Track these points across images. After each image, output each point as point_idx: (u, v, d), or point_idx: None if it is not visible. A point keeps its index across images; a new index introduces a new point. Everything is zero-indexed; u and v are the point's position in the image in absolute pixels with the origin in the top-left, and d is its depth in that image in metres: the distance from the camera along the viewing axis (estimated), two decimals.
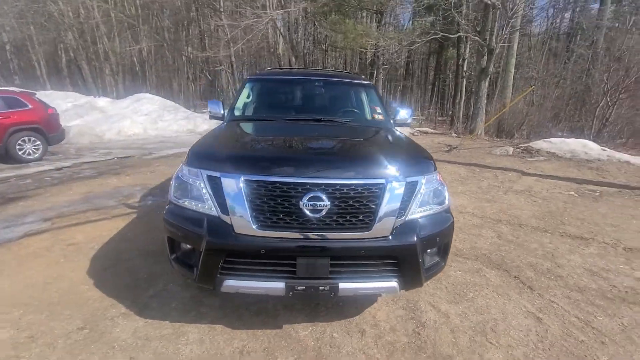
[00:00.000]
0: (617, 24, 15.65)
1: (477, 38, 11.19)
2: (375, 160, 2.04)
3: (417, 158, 2.19)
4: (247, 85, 3.41)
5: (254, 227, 1.83)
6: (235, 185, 1.87)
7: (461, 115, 14.77)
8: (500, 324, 2.27)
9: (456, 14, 11.41)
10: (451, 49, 16.95)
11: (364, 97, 3.42)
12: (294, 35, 16.42)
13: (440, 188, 2.13)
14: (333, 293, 1.88)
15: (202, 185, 1.97)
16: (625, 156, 8.45)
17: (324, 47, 22.14)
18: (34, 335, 2.03)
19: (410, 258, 1.91)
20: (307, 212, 1.82)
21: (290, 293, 1.87)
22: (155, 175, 5.85)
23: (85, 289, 2.50)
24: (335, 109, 3.29)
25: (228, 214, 1.87)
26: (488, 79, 11.58)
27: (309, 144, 2.36)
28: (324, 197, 1.82)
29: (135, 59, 22.01)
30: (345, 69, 23.91)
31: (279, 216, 1.84)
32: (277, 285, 1.86)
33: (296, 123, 2.90)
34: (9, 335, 2.03)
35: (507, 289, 2.70)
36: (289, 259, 1.86)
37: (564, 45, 18.32)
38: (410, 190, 1.97)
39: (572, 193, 5.76)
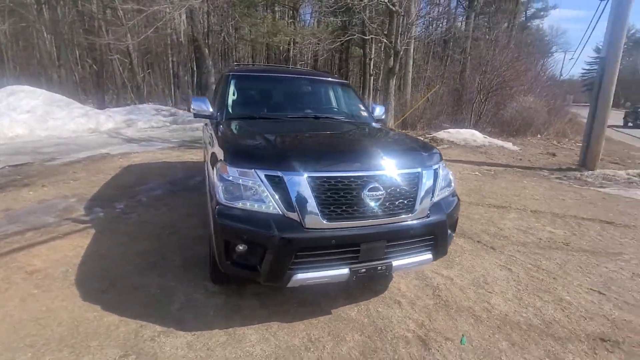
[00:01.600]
0: (486, 35, 19.40)
1: (385, 40, 12.48)
2: (410, 152, 2.36)
3: (431, 149, 2.60)
4: (231, 81, 3.30)
5: (323, 221, 1.95)
6: (300, 182, 1.95)
7: None
8: (488, 278, 2.88)
9: (366, 18, 12.49)
10: (357, 48, 18.41)
11: (347, 95, 3.69)
12: (202, 24, 15.43)
13: (448, 174, 2.59)
14: (388, 271, 2.15)
15: (259, 185, 1.97)
16: (500, 142, 10.77)
17: (235, 40, 21.33)
18: None
19: (442, 232, 2.30)
20: (368, 202, 2.03)
21: (354, 277, 2.06)
22: (83, 184, 5.01)
23: (96, 316, 2.18)
24: (328, 107, 3.48)
25: (294, 211, 1.94)
26: (395, 77, 13.07)
27: (344, 141, 2.53)
28: (380, 187, 2.06)
29: None
30: (254, 62, 23.59)
31: (343, 208, 2.00)
32: (342, 272, 2.03)
33: (304, 120, 3.02)
34: None
35: (478, 251, 3.38)
36: (353, 245, 2.04)
37: (443, 50, 21.86)
38: (435, 176, 2.35)
39: (477, 173, 7.15)
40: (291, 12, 14.75)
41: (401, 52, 12.92)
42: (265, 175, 1.98)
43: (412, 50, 15.13)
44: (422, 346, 2.05)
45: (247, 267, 2.01)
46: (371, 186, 2.03)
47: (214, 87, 8.73)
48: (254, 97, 3.39)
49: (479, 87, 14.47)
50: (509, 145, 10.46)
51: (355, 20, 14.01)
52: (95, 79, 20.04)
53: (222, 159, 2.16)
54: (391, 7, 11.97)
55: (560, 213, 4.60)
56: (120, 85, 18.73)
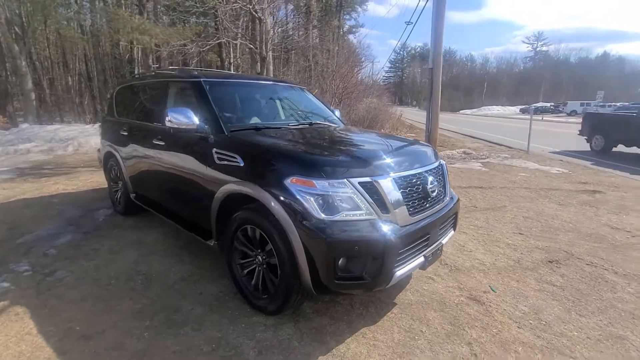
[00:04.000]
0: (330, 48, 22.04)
1: (251, 46, 12.54)
2: (430, 148, 2.76)
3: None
4: (207, 90, 2.87)
5: (410, 217, 2.12)
6: (390, 184, 2.06)
7: None
8: (459, 242, 3.64)
9: (229, 22, 12.19)
10: (213, 54, 17.50)
11: (309, 98, 3.76)
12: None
13: None
14: (440, 251, 2.51)
15: (354, 193, 1.97)
16: None
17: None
18: None
19: (457, 212, 2.83)
20: (431, 192, 2.32)
21: (426, 262, 2.32)
22: None
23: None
24: (310, 112, 3.46)
25: (389, 212, 2.03)
26: None
27: (390, 142, 2.68)
28: (435, 179, 2.38)
29: None
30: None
31: (420, 201, 2.23)
32: (420, 260, 2.24)
33: (309, 128, 2.99)
34: None
35: (494, 221, 4.20)
36: (426, 234, 2.28)
37: (293, 57, 23.60)
38: (444, 168, 2.85)
39: None
40: (139, 8, 12.63)
41: (267, 58, 13.30)
42: (359, 182, 1.99)
43: (270, 55, 15.71)
44: (476, 303, 2.52)
45: (353, 278, 1.96)
46: (430, 179, 2.34)
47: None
48: (238, 107, 3.04)
49: (333, 92, 16.47)
50: None
51: (213, 23, 13.38)
52: None
53: (298, 173, 1.99)
54: (254, 12, 12.16)
55: None
56: None
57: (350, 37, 41.38)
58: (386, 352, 2.01)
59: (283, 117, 3.26)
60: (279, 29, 13.71)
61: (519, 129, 18.15)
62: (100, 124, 4.80)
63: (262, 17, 12.20)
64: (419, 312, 2.40)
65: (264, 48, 12.76)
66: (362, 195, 1.98)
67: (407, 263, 2.14)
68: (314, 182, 1.95)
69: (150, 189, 3.56)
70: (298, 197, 1.94)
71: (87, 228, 3.85)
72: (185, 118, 2.59)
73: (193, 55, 16.52)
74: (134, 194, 3.89)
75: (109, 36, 13.08)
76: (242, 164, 2.29)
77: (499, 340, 2.11)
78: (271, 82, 3.55)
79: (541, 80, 67.07)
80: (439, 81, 10.00)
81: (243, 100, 3.15)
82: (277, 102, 3.40)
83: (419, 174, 2.28)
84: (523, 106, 50.88)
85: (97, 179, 6.08)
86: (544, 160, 8.62)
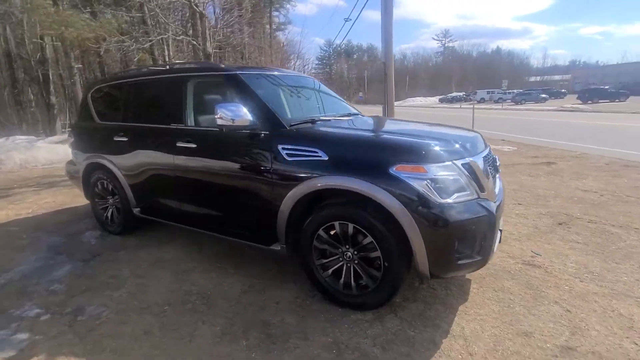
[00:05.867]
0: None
1: (194, 42, 11.68)
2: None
3: None
4: (245, 83, 2.62)
5: (495, 193, 2.24)
6: (481, 164, 2.16)
7: None
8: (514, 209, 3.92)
9: (165, 17, 11.18)
10: (142, 53, 15.74)
11: (327, 90, 3.69)
12: None
13: None
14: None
15: (460, 174, 2.00)
16: None
17: None
18: None
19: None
20: (495, 171, 2.48)
21: (501, 235, 2.47)
22: None
23: None
24: (334, 104, 3.42)
25: (484, 190, 2.11)
26: None
27: (447, 128, 2.76)
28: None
29: None
30: None
31: (493, 178, 2.35)
32: (499, 234, 2.39)
33: (354, 119, 2.94)
34: None
35: None
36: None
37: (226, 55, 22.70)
38: None
39: None
40: None
41: (212, 55, 12.52)
42: (462, 164, 2.03)
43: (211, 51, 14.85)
44: (534, 268, 2.75)
45: (468, 257, 1.99)
46: (493, 157, 2.50)
47: None
48: (280, 100, 2.82)
49: None
50: None
51: (144, 17, 12.05)
52: None
53: (404, 160, 1.96)
54: (194, 7, 11.33)
55: None
56: None
57: (280, 34, 41.21)
58: (498, 324, 2.10)
59: (319, 108, 3.14)
60: (223, 24, 13.00)
61: (446, 116, 20.04)
62: (70, 131, 4.04)
63: (203, 12, 11.47)
64: (495, 283, 2.55)
65: (207, 44, 12.03)
66: (466, 176, 2.02)
67: (498, 237, 2.26)
68: (424, 167, 1.94)
69: (171, 198, 3.12)
70: (411, 183, 1.91)
71: (84, 255, 3.24)
72: (238, 114, 2.34)
73: (115, 53, 14.78)
74: (139, 208, 3.38)
75: (19, 31, 10.93)
76: (325, 158, 2.16)
77: (576, 295, 2.35)
78: (294, 74, 3.38)
79: (451, 72, 75.05)
80: (391, 74, 10.52)
81: (280, 93, 2.94)
82: (307, 93, 3.26)
83: (489, 153, 2.42)
84: (441, 96, 56.36)
85: (53, 199, 5.15)
86: (493, 141, 9.69)
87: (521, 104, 35.50)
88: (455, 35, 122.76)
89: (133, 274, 2.85)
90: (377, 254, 2.08)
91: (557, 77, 73.33)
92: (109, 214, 3.68)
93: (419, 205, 1.90)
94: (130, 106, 3.32)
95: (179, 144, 2.82)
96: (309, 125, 2.52)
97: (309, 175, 2.21)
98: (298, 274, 2.61)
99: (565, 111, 23.20)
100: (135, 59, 11.64)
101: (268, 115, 2.46)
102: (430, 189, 1.90)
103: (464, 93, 53.99)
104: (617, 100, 31.24)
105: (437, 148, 2.04)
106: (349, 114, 3.16)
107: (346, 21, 16.90)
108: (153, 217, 3.26)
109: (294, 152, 2.27)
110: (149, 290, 2.60)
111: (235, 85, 2.64)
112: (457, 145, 2.13)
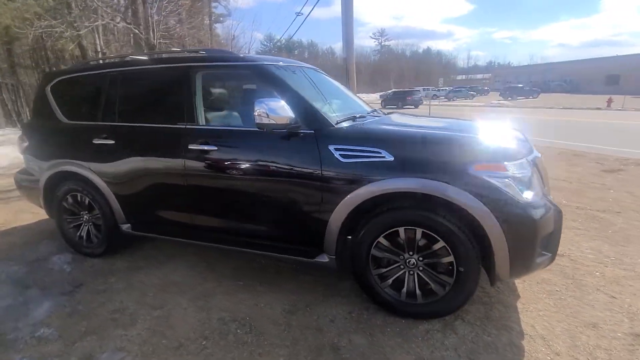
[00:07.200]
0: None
1: (137, 31, 10.45)
2: None
3: None
4: (279, 74, 2.31)
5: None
6: (541, 161, 2.14)
7: None
8: None
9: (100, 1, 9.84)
10: (64, 39, 13.40)
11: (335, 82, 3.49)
12: None
13: None
14: None
15: (532, 172, 1.97)
16: None
17: None
18: None
19: None
20: None
21: None
22: None
23: None
24: (350, 98, 3.23)
25: (545, 185, 2.12)
26: None
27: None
28: None
29: None
30: None
31: None
32: None
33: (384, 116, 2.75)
34: None
35: None
36: None
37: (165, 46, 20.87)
38: None
39: None
40: None
41: (157, 46, 11.31)
42: (531, 160, 2.00)
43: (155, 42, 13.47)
44: (558, 257, 2.82)
45: (542, 255, 1.96)
46: None
47: None
48: (312, 94, 2.51)
49: None
50: None
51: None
52: None
53: (483, 159, 1.86)
54: None
55: None
56: None
57: (218, 25, 39.19)
58: (560, 317, 2.12)
59: (345, 104, 2.91)
60: (167, 13, 11.87)
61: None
62: (22, 133, 3.26)
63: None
64: (534, 276, 2.60)
65: (151, 34, 10.86)
66: (535, 173, 2.00)
67: None
68: (504, 165, 1.86)
69: (180, 211, 2.63)
70: (494, 182, 1.81)
71: (62, 286, 2.62)
72: (280, 111, 2.04)
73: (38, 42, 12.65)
74: (129, 224, 2.83)
75: None
76: (391, 158, 1.96)
77: (610, 280, 2.49)
78: (308, 66, 3.07)
79: (389, 70, 78.80)
80: (353, 68, 10.59)
81: (312, 87, 2.65)
82: (328, 87, 3.01)
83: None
84: (382, 93, 58.78)
85: None
86: None
87: (453, 100, 38.57)
88: (391, 34, 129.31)
89: (142, 304, 2.36)
90: (450, 259, 1.96)
91: (479, 76, 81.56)
92: (83, 233, 3.04)
93: (504, 205, 1.81)
94: (115, 102, 2.74)
95: (192, 147, 2.39)
96: (355, 122, 2.30)
97: (370, 178, 1.99)
98: (333, 285, 2.41)
99: (494, 107, 25.74)
100: (70, 48, 9.98)
101: (311, 111, 2.18)
102: (513, 187, 1.83)
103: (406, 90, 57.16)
104: (531, 97, 35.61)
105: (512, 145, 1.98)
106: (373, 110, 2.99)
107: (297, 15, 16.54)
108: (152, 234, 2.75)
109: (350, 153, 2.03)
110: (172, 323, 2.16)
111: (265, 78, 2.30)
112: (524, 142, 2.09)
